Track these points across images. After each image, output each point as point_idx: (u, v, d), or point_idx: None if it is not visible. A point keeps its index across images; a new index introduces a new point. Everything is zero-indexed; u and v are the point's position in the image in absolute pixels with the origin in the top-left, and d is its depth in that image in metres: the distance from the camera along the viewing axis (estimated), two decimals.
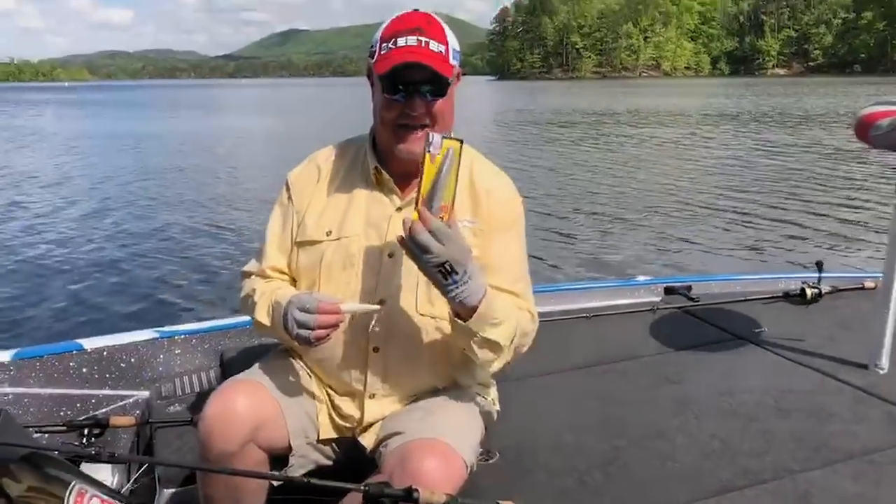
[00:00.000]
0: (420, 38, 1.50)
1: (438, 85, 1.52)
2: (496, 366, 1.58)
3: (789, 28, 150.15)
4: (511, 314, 1.54)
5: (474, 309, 1.45)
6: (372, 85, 1.60)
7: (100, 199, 11.35)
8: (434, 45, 1.51)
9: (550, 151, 17.58)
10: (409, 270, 1.54)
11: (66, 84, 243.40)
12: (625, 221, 9.15)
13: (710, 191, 11.30)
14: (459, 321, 1.47)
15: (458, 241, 1.40)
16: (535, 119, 29.60)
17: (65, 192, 12.15)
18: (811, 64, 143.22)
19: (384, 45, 1.52)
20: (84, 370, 2.31)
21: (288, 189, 1.71)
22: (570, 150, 17.73)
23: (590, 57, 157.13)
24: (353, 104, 38.76)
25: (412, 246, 1.37)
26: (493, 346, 1.51)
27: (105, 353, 2.35)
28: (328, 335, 1.48)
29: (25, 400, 2.19)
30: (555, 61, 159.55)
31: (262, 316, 1.60)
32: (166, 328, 2.52)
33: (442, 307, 1.53)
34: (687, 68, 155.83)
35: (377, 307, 1.53)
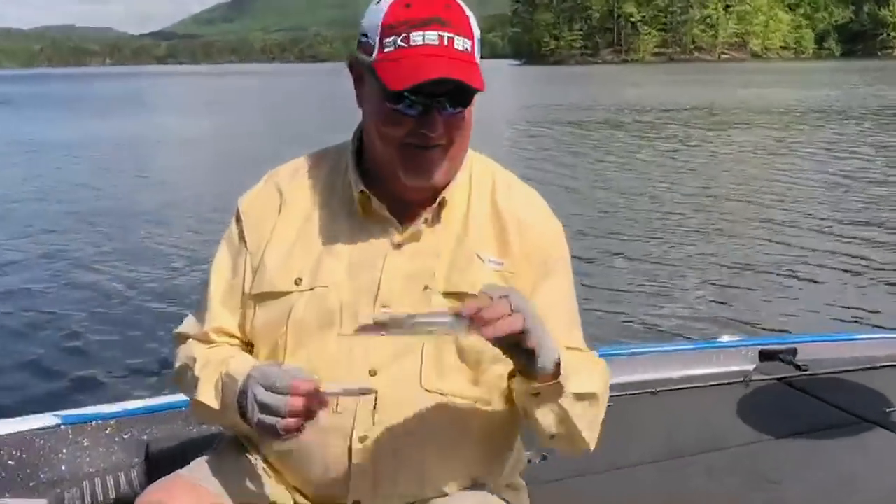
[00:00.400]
0: (441, 32, 1.52)
1: (464, 93, 1.55)
2: (595, 435, 1.65)
3: None
4: (581, 360, 1.63)
5: (556, 368, 1.50)
6: (356, 79, 1.64)
7: None
8: (460, 43, 1.53)
9: (596, 165, 17.61)
10: (412, 333, 1.54)
11: None
12: (701, 260, 9.18)
13: (817, 218, 11.38)
14: (541, 384, 1.51)
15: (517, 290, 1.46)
16: (575, 119, 29.66)
17: None
18: None
19: (390, 39, 1.53)
20: None
21: (239, 221, 1.73)
22: (624, 164, 17.80)
23: (650, 33, 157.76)
24: (331, 99, 38.07)
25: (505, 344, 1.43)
26: (589, 398, 1.59)
27: None
28: (303, 426, 1.48)
29: None
30: (602, 39, 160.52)
31: (207, 395, 1.61)
32: (71, 412, 2.52)
33: (455, 380, 1.59)
34: (784, 48, 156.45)
35: (373, 390, 1.53)
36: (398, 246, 1.64)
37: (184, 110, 43.43)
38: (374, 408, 1.58)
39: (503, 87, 62.02)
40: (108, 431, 2.48)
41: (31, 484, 2.36)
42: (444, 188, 1.65)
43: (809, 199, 13.00)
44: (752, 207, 12.46)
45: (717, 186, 14.48)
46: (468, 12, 1.58)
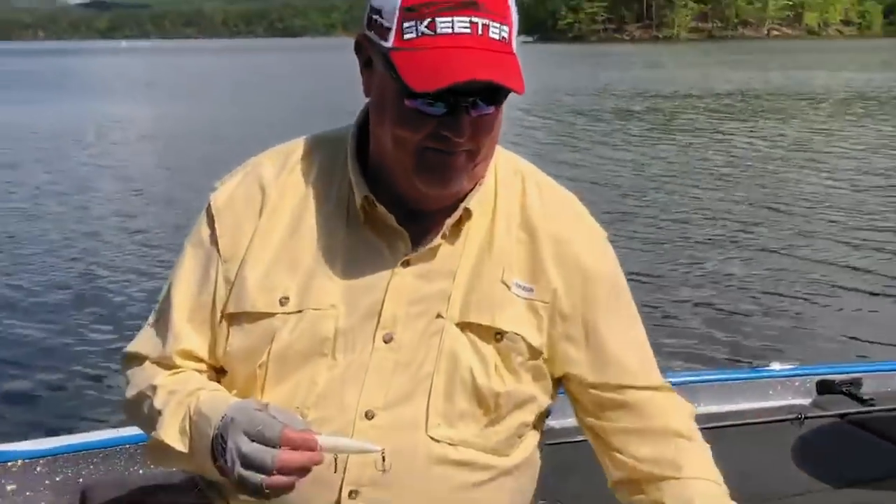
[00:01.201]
0: (474, 18, 1.33)
1: (498, 90, 1.36)
2: None
3: None
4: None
5: None
6: (364, 64, 1.43)
7: None
8: (496, 30, 1.34)
9: (630, 161, 15.78)
10: (418, 368, 1.43)
11: None
12: (752, 274, 8.42)
13: (886, 224, 10.38)
14: None
15: None
16: (595, 108, 26.08)
17: None
18: None
19: (411, 24, 1.34)
20: None
21: (211, 221, 1.50)
22: (662, 160, 15.87)
23: (687, 5, 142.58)
24: (309, 80, 35.28)
25: None
26: None
27: None
28: (292, 484, 1.29)
29: None
30: (629, 12, 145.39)
31: (172, 435, 1.40)
32: None
33: (467, 427, 1.44)
34: (846, 23, 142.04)
35: (378, 449, 1.34)
36: (406, 263, 1.46)
37: (132, 93, 37.22)
38: (369, 459, 1.43)
39: None
40: (36, 471, 2.29)
41: None
42: (466, 195, 1.47)
43: (872, 202, 11.82)
44: (815, 209, 11.37)
45: (772, 185, 13.16)
46: None
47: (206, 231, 1.51)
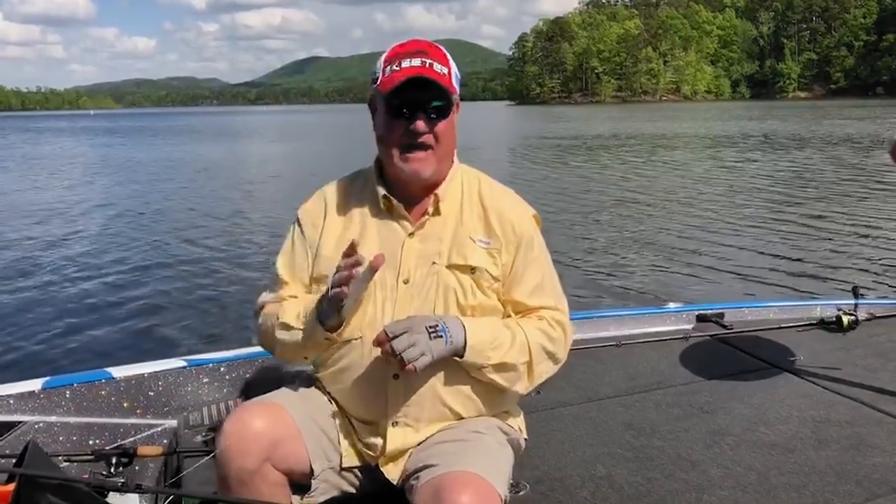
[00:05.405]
0: (424, 59, 1.54)
1: (443, 105, 1.56)
2: (525, 383, 1.63)
3: (810, 51, 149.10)
4: (504, 332, 1.59)
5: (464, 346, 1.53)
6: (374, 112, 1.63)
7: (128, 228, 11.38)
8: (438, 67, 1.55)
9: (574, 176, 17.33)
10: (426, 296, 1.57)
11: (92, 112, 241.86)
12: (655, 247, 8.96)
13: (740, 216, 11.05)
14: (464, 360, 1.54)
15: (413, 318, 1.51)
16: (556, 144, 29.64)
17: (93, 220, 12.27)
18: (833, 87, 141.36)
19: (388, 67, 1.56)
20: (113, 399, 2.32)
21: (299, 224, 1.72)
22: (595, 175, 17.39)
23: (609, 81, 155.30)
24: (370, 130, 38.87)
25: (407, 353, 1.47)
26: (507, 367, 1.58)
27: (134, 382, 2.37)
28: (349, 275, 1.46)
29: (55, 428, 2.22)
30: (574, 86, 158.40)
31: (291, 317, 1.59)
32: (194, 357, 2.53)
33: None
34: (707, 92, 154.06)
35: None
36: (412, 234, 1.63)
37: (266, 138, 43.73)
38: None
39: (502, 121, 63.04)
40: (220, 371, 2.49)
41: (165, 409, 2.39)
42: (436, 185, 1.64)
43: (738, 200, 12.57)
44: (697, 207, 12.07)
45: (670, 192, 14.06)
46: (447, 54, 1.60)
47: (297, 230, 1.71)
